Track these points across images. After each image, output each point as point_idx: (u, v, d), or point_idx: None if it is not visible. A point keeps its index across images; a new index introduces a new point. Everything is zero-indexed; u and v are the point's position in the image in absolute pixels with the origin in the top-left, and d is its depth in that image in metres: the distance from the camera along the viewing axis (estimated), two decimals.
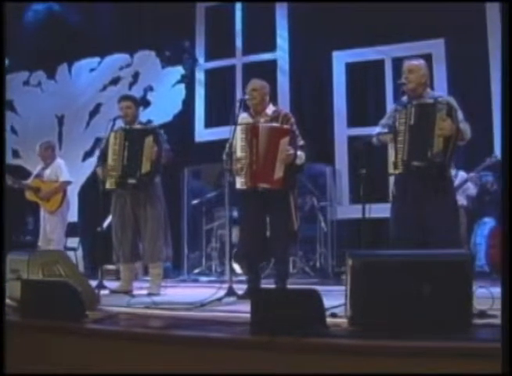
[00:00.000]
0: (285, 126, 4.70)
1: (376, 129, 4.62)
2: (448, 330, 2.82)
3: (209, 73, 9.15)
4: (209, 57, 9.13)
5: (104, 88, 9.23)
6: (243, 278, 6.97)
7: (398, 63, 8.10)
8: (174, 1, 8.61)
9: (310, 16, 8.43)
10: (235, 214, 7.83)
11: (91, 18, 9.04)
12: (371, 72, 8.41)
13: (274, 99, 8.49)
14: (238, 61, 8.98)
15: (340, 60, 8.49)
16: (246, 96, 4.83)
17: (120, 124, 5.42)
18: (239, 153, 4.66)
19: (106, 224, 7.92)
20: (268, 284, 5.03)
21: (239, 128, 4.68)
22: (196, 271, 7.68)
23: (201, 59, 9.07)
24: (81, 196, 8.74)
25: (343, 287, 5.45)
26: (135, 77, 9.06)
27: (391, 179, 7.85)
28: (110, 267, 6.98)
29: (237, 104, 4.81)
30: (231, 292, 4.54)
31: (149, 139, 5.19)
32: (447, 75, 7.79)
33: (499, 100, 7.56)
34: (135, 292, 5.26)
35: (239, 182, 4.70)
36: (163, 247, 5.37)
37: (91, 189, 8.61)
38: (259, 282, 4.85)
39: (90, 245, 7.80)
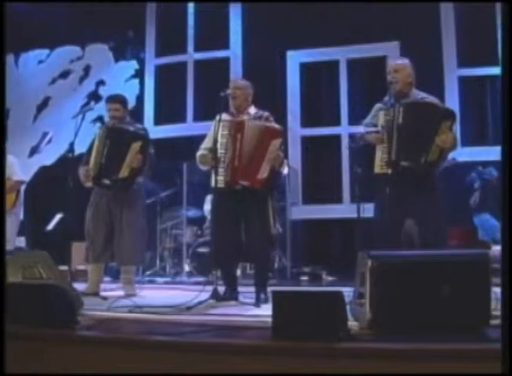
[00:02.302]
0: (277, 127, 4.58)
1: (360, 129, 4.56)
2: (467, 332, 2.80)
3: (159, 69, 8.90)
4: (159, 53, 8.87)
5: (53, 81, 8.86)
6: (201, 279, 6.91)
7: (352, 64, 8.23)
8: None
9: (264, 14, 8.34)
10: (190, 213, 7.72)
11: (41, 6, 8.62)
12: (326, 72, 8.40)
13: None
14: (189, 58, 8.77)
15: (294, 60, 8.44)
16: (229, 91, 4.68)
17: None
18: (219, 150, 4.49)
19: (52, 224, 7.63)
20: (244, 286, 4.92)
21: (220, 124, 4.51)
22: (149, 272, 7.43)
23: (151, 55, 8.80)
24: (27, 194, 8.30)
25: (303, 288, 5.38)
26: (87, 70, 8.73)
27: (345, 181, 8.07)
28: (63, 268, 6.66)
29: (221, 99, 4.63)
30: (216, 295, 4.38)
31: (136, 145, 5.00)
32: None
33: (453, 104, 7.71)
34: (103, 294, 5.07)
35: (217, 181, 4.53)
36: (141, 251, 5.23)
37: (39, 187, 8.26)
38: (236, 284, 4.73)
39: (38, 245, 7.43)
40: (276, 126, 4.59)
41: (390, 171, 4.18)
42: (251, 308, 4.22)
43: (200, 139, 8.16)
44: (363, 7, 7.77)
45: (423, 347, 2.60)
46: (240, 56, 8.59)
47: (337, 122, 8.25)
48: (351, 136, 4.54)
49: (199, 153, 4.76)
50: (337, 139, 8.20)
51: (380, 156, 4.31)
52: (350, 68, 8.23)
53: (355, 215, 7.85)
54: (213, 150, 4.45)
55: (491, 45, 7.51)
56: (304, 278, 7.19)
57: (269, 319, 3.24)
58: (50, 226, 7.53)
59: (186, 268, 7.35)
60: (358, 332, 2.86)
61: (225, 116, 4.64)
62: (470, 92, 7.64)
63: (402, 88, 4.37)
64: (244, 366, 2.59)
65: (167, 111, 8.75)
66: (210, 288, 4.48)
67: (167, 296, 5.20)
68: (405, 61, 4.49)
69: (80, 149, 5.33)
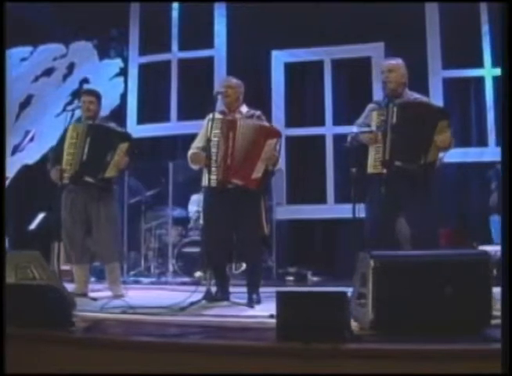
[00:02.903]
0: (274, 127, 4.57)
1: (353, 129, 4.54)
2: (469, 332, 2.81)
3: (143, 68, 8.79)
4: (143, 52, 8.75)
5: (36, 79, 8.71)
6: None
7: (337, 64, 8.22)
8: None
9: (249, 14, 8.28)
10: (175, 213, 7.66)
11: (25, 3, 8.47)
12: (310, 73, 8.37)
13: (211, 96, 8.40)
14: (173, 56, 8.69)
15: (279, 60, 8.39)
16: (222, 89, 4.66)
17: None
18: (211, 149, 4.45)
19: (35, 223, 7.52)
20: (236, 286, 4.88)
21: (212, 123, 4.47)
22: (133, 272, 7.36)
23: (135, 54, 8.70)
24: (9, 193, 8.18)
25: (287, 289, 5.35)
26: (70, 68, 8.60)
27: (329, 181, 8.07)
28: None
29: (214, 98, 4.60)
30: (208, 295, 4.34)
31: (123, 146, 4.93)
32: None
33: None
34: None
35: (208, 180, 4.47)
36: (120, 248, 5.14)
37: (21, 186, 8.14)
38: (228, 284, 4.69)
39: (20, 245, 7.33)
40: (273, 126, 4.58)
41: (385, 170, 4.18)
42: (245, 308, 4.20)
43: (185, 138, 8.19)
44: (348, 8, 7.76)
45: (426, 347, 2.60)
46: (225, 55, 8.51)
47: (321, 122, 8.23)
48: (345, 136, 4.51)
49: (190, 151, 4.71)
50: (321, 139, 8.18)
51: (373, 156, 4.31)
52: (335, 68, 8.20)
53: (339, 215, 7.97)
54: (206, 148, 4.40)
55: (475, 46, 7.58)
56: (290, 278, 7.18)
57: (267, 320, 3.25)
58: (33, 226, 7.42)
59: (171, 268, 7.29)
60: (359, 332, 2.85)
61: (216, 115, 4.61)
62: (455, 93, 7.68)
63: (396, 87, 4.38)
64: (249, 368, 2.57)
65: (151, 110, 8.65)
66: (195, 288, 4.45)
67: (157, 296, 5.16)
68: (399, 61, 4.49)
69: None
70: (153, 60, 8.72)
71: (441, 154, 4.31)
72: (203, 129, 4.66)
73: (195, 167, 4.70)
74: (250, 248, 4.52)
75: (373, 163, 4.30)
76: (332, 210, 8.03)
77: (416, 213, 4.23)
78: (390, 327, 2.83)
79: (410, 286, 2.86)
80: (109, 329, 3.15)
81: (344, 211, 7.83)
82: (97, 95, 5.27)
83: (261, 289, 4.60)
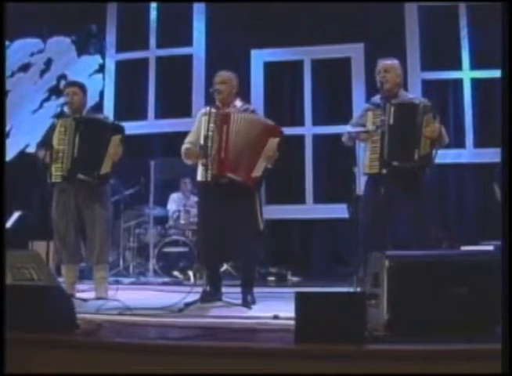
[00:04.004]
0: (277, 126, 4.53)
1: (348, 128, 4.54)
2: (482, 331, 2.81)
3: (120, 64, 8.65)
4: (121, 49, 8.61)
5: (12, 74, 8.51)
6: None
7: (317, 64, 8.22)
8: None
9: (228, 12, 8.22)
10: (155, 212, 7.56)
11: None
12: (290, 72, 8.36)
13: (189, 94, 8.33)
14: (151, 54, 8.58)
15: (258, 59, 8.34)
16: (216, 86, 4.60)
17: None
18: (208, 144, 4.37)
19: (10, 222, 7.34)
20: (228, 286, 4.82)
21: (204, 118, 4.40)
22: (112, 272, 7.21)
23: (112, 50, 8.56)
24: None
25: (269, 289, 5.31)
26: (48, 64, 8.42)
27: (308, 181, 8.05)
28: None
29: (211, 95, 4.58)
30: (205, 296, 4.27)
31: (116, 138, 4.79)
32: (365, 80, 7.84)
33: None
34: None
35: (204, 175, 4.39)
36: (110, 249, 5.04)
37: None
38: (221, 284, 4.62)
39: None
40: (276, 124, 4.54)
41: (384, 171, 4.18)
42: (242, 309, 4.15)
43: (165, 136, 8.08)
44: (328, 8, 7.76)
45: (444, 348, 2.59)
46: (203, 53, 8.44)
47: (300, 122, 8.22)
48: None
49: (184, 146, 4.63)
50: (300, 139, 8.17)
51: (369, 156, 4.31)
52: (314, 69, 8.20)
53: (318, 216, 7.97)
54: (203, 146, 4.33)
55: (454, 48, 7.67)
56: (271, 278, 7.15)
57: (271, 321, 3.22)
58: (8, 224, 7.22)
59: (151, 268, 7.19)
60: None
61: (207, 109, 4.54)
62: (433, 95, 7.74)
63: (392, 87, 4.38)
64: (267, 370, 2.52)
65: (128, 108, 8.51)
66: (190, 289, 4.37)
67: (144, 297, 5.07)
68: (395, 61, 4.49)
69: None
70: (131, 57, 8.59)
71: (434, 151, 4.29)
72: (197, 124, 4.59)
73: (189, 162, 4.62)
74: (246, 246, 4.42)
75: (369, 163, 4.30)
76: (311, 210, 8.04)
77: (410, 213, 4.24)
78: (405, 327, 2.80)
79: (425, 286, 2.84)
80: (115, 332, 3.06)
81: (324, 211, 7.94)
82: (81, 86, 5.06)
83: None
